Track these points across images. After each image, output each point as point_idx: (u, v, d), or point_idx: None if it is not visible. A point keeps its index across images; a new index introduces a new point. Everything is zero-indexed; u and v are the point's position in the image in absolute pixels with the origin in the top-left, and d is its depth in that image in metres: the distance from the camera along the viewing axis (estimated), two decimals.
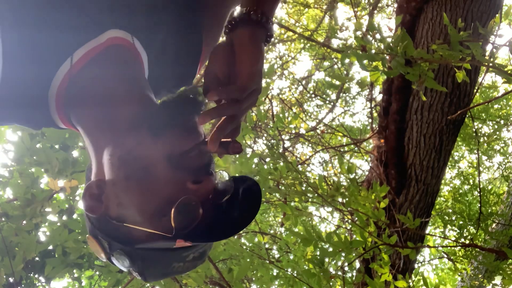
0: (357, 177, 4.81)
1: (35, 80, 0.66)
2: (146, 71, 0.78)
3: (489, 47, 2.13)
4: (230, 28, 0.70)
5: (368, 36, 1.84)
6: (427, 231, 3.94)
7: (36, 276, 3.87)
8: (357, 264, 3.19)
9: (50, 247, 2.66)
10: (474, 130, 5.08)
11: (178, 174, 0.63)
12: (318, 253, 2.27)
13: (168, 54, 0.81)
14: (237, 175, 0.72)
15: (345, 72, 5.40)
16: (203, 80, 0.70)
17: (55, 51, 0.67)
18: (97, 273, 4.16)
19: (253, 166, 2.66)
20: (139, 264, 0.66)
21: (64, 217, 2.91)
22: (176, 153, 0.63)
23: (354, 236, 3.28)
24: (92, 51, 0.69)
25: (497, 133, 6.56)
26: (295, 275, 2.69)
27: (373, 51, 1.75)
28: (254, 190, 0.68)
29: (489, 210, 4.98)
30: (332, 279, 2.36)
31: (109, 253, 0.67)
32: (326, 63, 5.98)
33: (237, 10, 0.72)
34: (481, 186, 4.47)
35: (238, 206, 0.66)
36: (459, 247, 4.05)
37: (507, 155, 6.84)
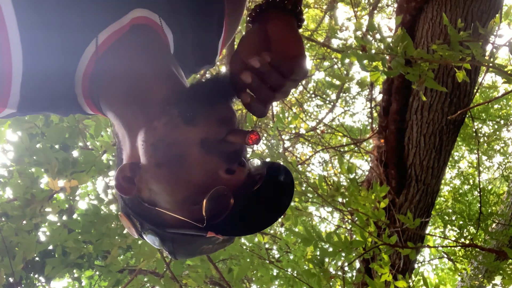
0: (357, 177, 4.81)
1: (60, 67, 0.65)
2: (172, 50, 0.77)
3: (489, 47, 2.13)
4: (259, 14, 0.69)
5: (368, 36, 1.84)
6: (427, 231, 3.94)
7: (36, 276, 3.87)
8: (357, 264, 3.20)
9: (50, 247, 2.66)
10: (474, 130, 5.09)
11: (211, 161, 0.62)
12: (318, 253, 2.27)
13: (189, 32, 0.79)
14: (269, 160, 0.71)
15: (345, 72, 5.40)
16: (228, 66, 0.68)
17: (79, 35, 0.65)
18: (97, 273, 4.17)
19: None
20: (169, 245, 0.67)
21: (64, 217, 2.92)
22: (210, 140, 0.62)
23: (354, 236, 3.28)
24: (118, 32, 0.67)
25: (497, 133, 6.56)
26: (295, 275, 2.68)
27: (373, 51, 1.75)
28: (285, 181, 0.68)
29: (489, 210, 4.98)
30: (332, 279, 2.36)
31: (140, 231, 0.68)
32: (326, 63, 5.98)
33: None
34: (481, 186, 4.47)
35: (270, 196, 0.66)
36: (459, 247, 4.05)
37: (507, 155, 6.84)
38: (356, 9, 5.32)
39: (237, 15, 0.88)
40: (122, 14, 0.68)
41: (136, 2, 0.69)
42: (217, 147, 0.62)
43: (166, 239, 0.66)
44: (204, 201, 0.61)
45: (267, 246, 4.09)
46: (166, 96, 0.64)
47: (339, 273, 2.66)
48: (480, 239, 4.68)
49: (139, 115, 0.65)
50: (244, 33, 0.71)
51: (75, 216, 3.12)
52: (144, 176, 0.64)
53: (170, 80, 0.67)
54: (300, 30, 0.71)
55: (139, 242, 2.38)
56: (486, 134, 6.50)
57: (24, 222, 2.27)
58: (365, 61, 1.78)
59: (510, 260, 3.27)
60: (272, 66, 0.63)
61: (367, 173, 4.04)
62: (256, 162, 0.69)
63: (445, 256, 4.84)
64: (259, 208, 0.65)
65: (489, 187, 6.57)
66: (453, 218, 5.41)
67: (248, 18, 0.71)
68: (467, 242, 4.25)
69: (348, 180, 2.68)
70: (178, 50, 0.79)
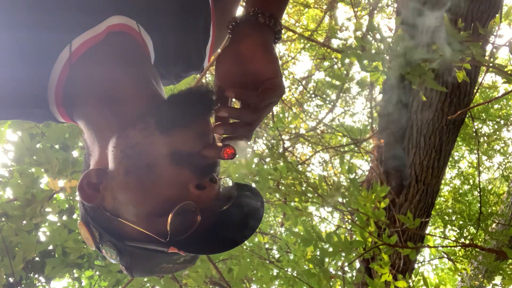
0: (357, 177, 4.81)
1: (33, 75, 0.64)
2: (152, 56, 0.75)
3: (489, 47, 2.13)
4: (234, 30, 0.66)
5: (368, 36, 1.84)
6: (427, 231, 3.94)
7: (36, 276, 3.88)
8: (357, 264, 3.20)
9: (50, 247, 2.66)
10: (474, 130, 5.09)
11: (182, 174, 0.60)
12: (318, 253, 2.27)
13: (171, 37, 0.77)
14: (240, 182, 0.70)
15: (345, 72, 5.40)
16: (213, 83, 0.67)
17: (52, 40, 0.64)
18: (97, 273, 4.17)
19: (253, 166, 2.66)
20: (127, 260, 0.64)
21: (64, 217, 2.92)
22: (183, 152, 0.60)
23: (354, 236, 3.28)
24: (93, 39, 0.66)
25: (497, 133, 6.56)
26: (295, 275, 2.69)
27: (373, 51, 1.75)
28: (255, 205, 0.66)
29: (489, 210, 4.98)
30: (332, 279, 2.36)
31: (98, 243, 0.65)
32: (326, 63, 5.97)
33: (243, 10, 0.68)
34: (481, 186, 4.47)
35: (238, 218, 0.64)
36: (459, 247, 4.05)
37: (507, 155, 6.83)
38: (356, 9, 5.32)
39: (226, 18, 0.85)
40: (98, 21, 0.66)
41: (113, 9, 0.68)
42: (190, 160, 0.60)
43: (124, 253, 0.63)
44: (170, 215, 0.58)
45: (267, 246, 4.10)
46: (142, 105, 0.63)
47: (339, 273, 2.66)
48: (480, 239, 4.68)
49: (113, 122, 0.63)
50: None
51: (75, 216, 3.12)
52: (110, 184, 0.62)
53: (147, 89, 0.65)
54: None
55: None
56: (486, 134, 6.50)
57: (24, 222, 2.27)
58: (365, 61, 1.78)
59: (510, 260, 3.27)
60: (241, 101, 0.62)
61: (367, 173, 4.05)
62: (228, 181, 0.67)
63: (445, 256, 4.84)
64: (225, 229, 0.63)
65: (489, 187, 6.57)
66: (453, 218, 5.41)
67: (227, 31, 0.69)
68: (467, 242, 4.25)
69: (348, 180, 2.68)
70: (160, 56, 0.77)
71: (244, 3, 0.73)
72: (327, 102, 6.02)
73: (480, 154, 6.00)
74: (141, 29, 0.71)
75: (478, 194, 4.65)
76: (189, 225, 0.61)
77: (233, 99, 0.66)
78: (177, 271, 0.70)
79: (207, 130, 0.62)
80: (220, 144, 0.63)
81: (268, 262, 2.78)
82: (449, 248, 4.62)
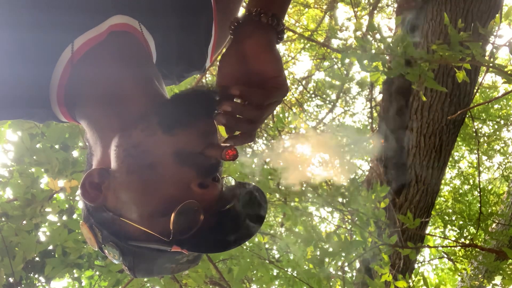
0: (357, 177, 4.81)
1: (35, 75, 0.64)
2: (154, 56, 0.75)
3: (489, 47, 2.13)
4: (237, 30, 0.66)
5: (368, 36, 1.84)
6: (427, 231, 3.94)
7: (36, 276, 3.88)
8: (357, 264, 3.20)
9: (50, 247, 2.65)
10: (474, 130, 5.09)
11: (184, 173, 0.60)
12: (318, 253, 2.27)
13: (173, 36, 0.77)
14: (243, 181, 0.69)
15: (345, 72, 5.40)
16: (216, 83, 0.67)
17: (54, 39, 0.64)
18: (97, 273, 4.17)
19: (253, 166, 2.66)
20: (130, 260, 0.63)
21: (64, 217, 2.91)
22: (186, 152, 0.60)
23: (354, 236, 3.28)
24: (95, 39, 0.66)
25: (497, 133, 6.56)
26: (295, 275, 2.68)
27: (373, 51, 1.75)
28: (259, 204, 0.66)
29: (489, 210, 4.98)
30: (332, 279, 2.36)
31: (100, 243, 0.65)
32: (326, 63, 5.98)
33: (245, 9, 0.67)
34: (481, 186, 4.47)
35: (241, 217, 0.63)
36: (459, 247, 4.05)
37: (507, 155, 6.84)
38: (356, 9, 5.32)
39: (228, 18, 0.84)
40: (100, 21, 0.66)
41: (115, 9, 0.68)
42: (193, 160, 0.60)
43: (127, 253, 0.63)
44: (173, 214, 0.58)
45: (267, 246, 4.09)
46: (144, 104, 0.63)
47: (339, 273, 2.66)
48: (480, 239, 4.68)
49: (115, 122, 0.63)
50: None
51: (75, 216, 3.12)
52: (112, 183, 0.62)
53: (149, 88, 0.65)
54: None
55: None
56: (486, 134, 6.50)
57: (24, 222, 2.27)
58: (365, 61, 1.78)
59: (510, 260, 3.27)
60: (245, 99, 0.62)
61: (367, 173, 4.05)
62: (230, 180, 0.67)
63: (445, 256, 4.84)
64: (228, 228, 0.62)
65: (489, 187, 6.57)
66: (453, 218, 5.41)
67: (229, 31, 0.69)
68: (467, 242, 4.25)
69: (348, 180, 2.68)
70: (162, 56, 0.77)
71: (246, 3, 0.73)
72: (327, 102, 6.02)
73: (480, 154, 6.00)
74: (143, 29, 0.71)
75: (478, 194, 4.65)
76: (192, 224, 0.60)
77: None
78: (179, 271, 0.69)
79: (210, 130, 0.62)
80: (223, 144, 0.63)
81: (268, 262, 2.78)
82: (449, 248, 4.62)
